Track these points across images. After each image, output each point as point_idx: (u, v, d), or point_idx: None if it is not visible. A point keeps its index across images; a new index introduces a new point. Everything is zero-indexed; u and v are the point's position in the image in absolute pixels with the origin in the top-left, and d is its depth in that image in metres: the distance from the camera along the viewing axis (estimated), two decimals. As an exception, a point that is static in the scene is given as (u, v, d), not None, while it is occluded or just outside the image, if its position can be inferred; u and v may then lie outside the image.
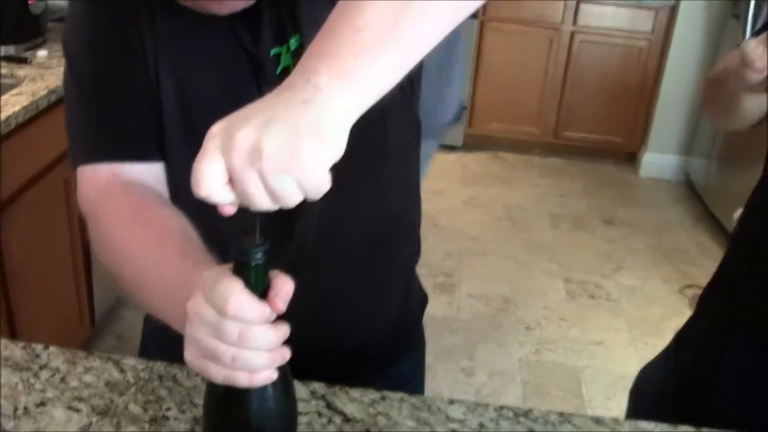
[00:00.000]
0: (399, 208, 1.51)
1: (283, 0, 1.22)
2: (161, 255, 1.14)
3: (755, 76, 1.35)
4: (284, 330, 0.93)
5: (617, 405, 3.53)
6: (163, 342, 1.53)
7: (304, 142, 0.82)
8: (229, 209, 0.87)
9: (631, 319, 4.40)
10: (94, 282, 3.53)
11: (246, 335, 0.90)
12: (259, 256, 0.89)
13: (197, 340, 0.93)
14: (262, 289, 0.91)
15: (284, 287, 0.91)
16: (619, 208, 5.80)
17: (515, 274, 4.79)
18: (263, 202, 0.85)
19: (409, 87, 1.38)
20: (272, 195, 0.84)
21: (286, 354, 0.94)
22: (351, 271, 1.48)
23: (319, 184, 0.84)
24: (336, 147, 0.84)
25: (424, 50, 0.93)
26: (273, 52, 1.24)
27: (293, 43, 1.23)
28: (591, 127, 6.44)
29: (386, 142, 1.38)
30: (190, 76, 1.26)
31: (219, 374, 0.92)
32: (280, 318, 0.93)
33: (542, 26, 6.17)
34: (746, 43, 1.35)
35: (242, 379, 0.92)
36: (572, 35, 6.17)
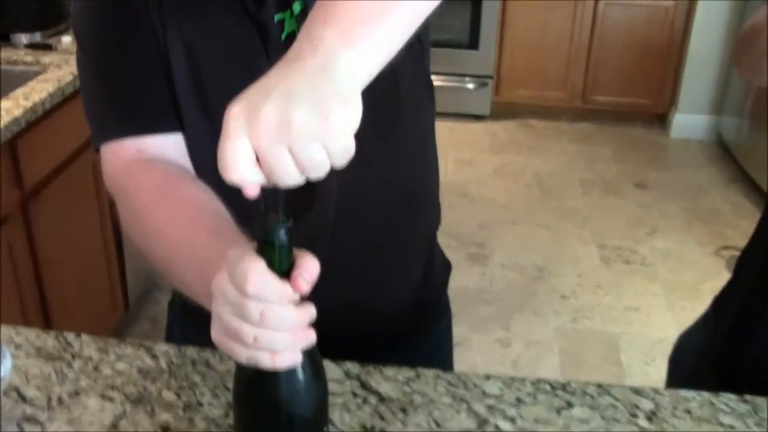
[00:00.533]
0: (415, 170, 1.48)
1: None
2: (193, 232, 1.13)
3: None
4: (309, 312, 0.91)
5: (656, 371, 3.51)
6: (188, 325, 1.53)
7: (332, 109, 0.83)
8: (253, 190, 0.86)
9: (667, 283, 4.36)
10: (127, 266, 3.54)
11: (267, 315, 0.88)
12: (281, 234, 0.87)
13: (221, 318, 0.91)
14: (285, 269, 0.89)
15: (309, 268, 0.89)
16: (651, 171, 5.74)
17: (548, 243, 4.76)
18: (292, 177, 0.85)
19: (418, 45, 1.36)
20: (302, 167, 0.84)
21: (311, 336, 0.92)
22: (371, 240, 1.46)
23: (349, 148, 0.85)
24: (359, 109, 0.85)
25: (428, 9, 0.94)
26: (277, 17, 1.23)
27: (296, 7, 1.22)
28: (619, 90, 6.37)
29: (398, 103, 1.36)
30: (198, 45, 1.25)
31: (242, 354, 0.91)
32: (307, 300, 0.91)
33: (566, -10, 6.11)
34: None
35: (265, 360, 0.91)
36: (597, -2, 6.11)
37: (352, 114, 0.85)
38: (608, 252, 4.67)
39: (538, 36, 6.23)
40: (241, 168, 0.84)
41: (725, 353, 1.63)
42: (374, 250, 1.47)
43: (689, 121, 6.26)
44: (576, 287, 4.32)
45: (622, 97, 6.39)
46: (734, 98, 5.81)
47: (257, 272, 0.88)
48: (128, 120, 1.27)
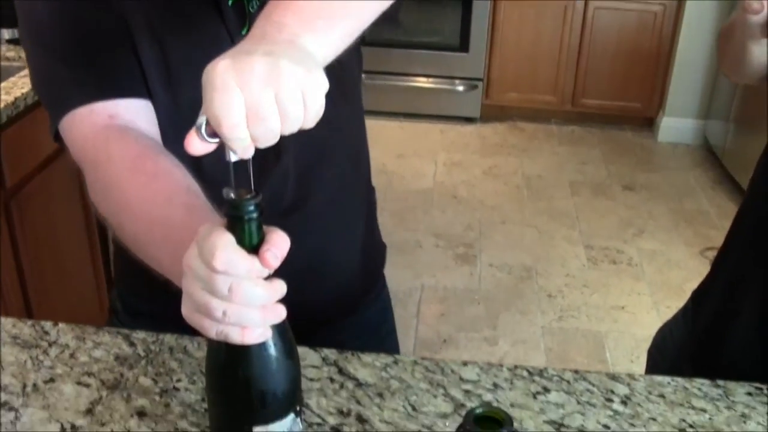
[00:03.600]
0: (360, 131, 1.57)
1: None
2: (168, 211, 1.12)
3: (754, 20, 1.34)
4: (279, 287, 0.91)
5: (641, 368, 3.50)
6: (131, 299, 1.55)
7: (311, 65, 0.88)
8: (248, 151, 0.89)
9: (653, 283, 4.38)
10: (112, 263, 3.52)
11: (235, 290, 0.88)
12: (251, 210, 0.87)
13: (191, 294, 0.91)
14: (255, 245, 0.89)
15: (278, 243, 0.89)
16: (639, 173, 5.77)
17: (536, 243, 4.77)
18: (273, 131, 0.87)
19: None
20: (283, 118, 0.86)
21: (281, 312, 0.92)
22: (323, 211, 1.49)
23: (321, 109, 0.89)
24: (326, 79, 0.90)
25: (383, 7, 1.02)
26: None
27: None
28: (608, 93, 6.39)
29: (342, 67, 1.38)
30: (156, 16, 1.25)
31: (212, 329, 0.91)
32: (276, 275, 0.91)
33: (556, -6, 6.12)
34: None
35: (234, 335, 0.91)
36: (586, 2, 6.11)
37: (323, 78, 0.89)
38: (596, 252, 4.68)
39: (528, 40, 6.24)
40: (234, 117, 0.85)
41: (703, 346, 1.63)
42: (328, 207, 1.50)
43: (676, 124, 6.29)
44: (563, 287, 4.33)
45: (611, 101, 6.42)
46: (720, 103, 5.84)
47: (225, 247, 0.88)
48: (98, 85, 1.25)
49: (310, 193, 1.45)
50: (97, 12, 1.24)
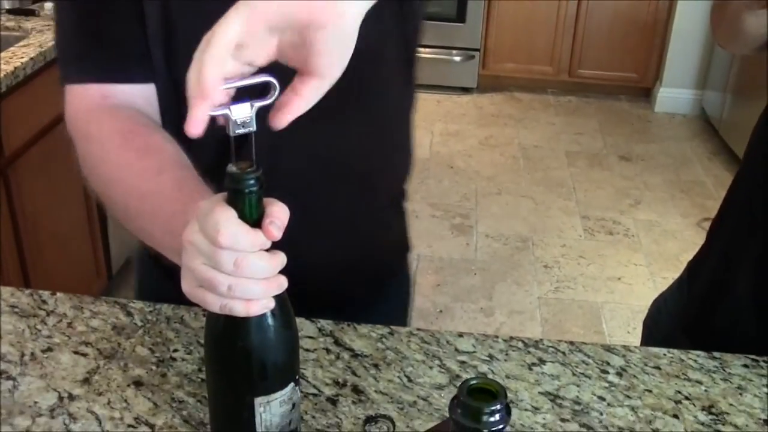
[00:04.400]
0: (366, 155, 1.45)
1: None
2: (158, 184, 1.13)
3: None
4: (280, 258, 0.92)
5: (637, 339, 3.52)
6: (159, 277, 1.52)
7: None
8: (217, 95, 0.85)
9: (650, 254, 4.39)
10: (110, 233, 3.53)
11: (241, 264, 0.88)
12: (252, 183, 0.87)
13: (193, 269, 0.91)
14: (256, 218, 0.89)
15: (279, 214, 0.90)
16: (635, 144, 5.77)
17: (532, 213, 4.78)
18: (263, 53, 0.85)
19: (404, 29, 1.35)
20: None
21: (283, 282, 0.93)
22: (323, 195, 1.44)
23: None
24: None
25: None
26: None
27: None
28: (605, 64, 6.39)
29: (364, 81, 1.31)
30: None
31: (216, 303, 0.91)
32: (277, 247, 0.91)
33: (553, -36, 6.10)
34: None
35: (239, 308, 0.91)
36: (584, -28, 6.11)
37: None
38: (592, 223, 4.69)
39: (525, 10, 6.22)
40: (228, 38, 0.83)
41: (698, 316, 1.64)
42: (327, 206, 1.45)
43: (673, 95, 6.29)
44: (559, 257, 4.34)
45: (608, 71, 6.42)
46: (717, 73, 5.84)
47: (229, 223, 0.88)
48: (97, 64, 1.26)
49: (306, 182, 1.39)
50: None
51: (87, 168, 1.25)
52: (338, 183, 1.44)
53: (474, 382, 0.90)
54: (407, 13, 1.30)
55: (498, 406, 0.87)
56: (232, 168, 0.88)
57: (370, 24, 1.22)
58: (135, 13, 1.23)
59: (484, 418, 0.86)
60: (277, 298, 0.94)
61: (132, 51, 1.22)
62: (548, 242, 4.49)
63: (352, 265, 1.51)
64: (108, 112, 1.23)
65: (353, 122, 1.38)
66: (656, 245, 4.47)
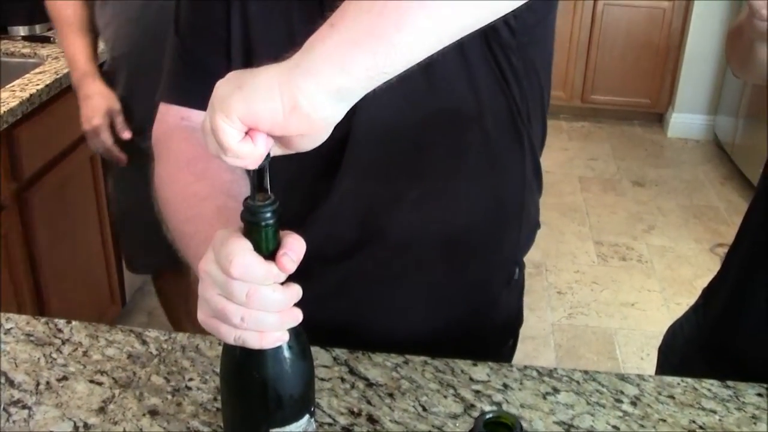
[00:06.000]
0: (476, 222, 1.40)
1: None
2: (202, 208, 1.15)
3: (761, 24, 1.35)
4: (296, 291, 0.92)
5: (651, 366, 3.49)
6: None
7: (226, 86, 0.84)
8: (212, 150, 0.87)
9: (664, 279, 4.37)
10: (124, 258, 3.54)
11: (253, 295, 0.88)
12: (267, 215, 0.88)
13: (207, 299, 0.92)
14: (272, 249, 0.89)
15: (294, 247, 0.90)
16: (648, 169, 5.76)
17: (546, 239, 4.76)
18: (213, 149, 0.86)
19: (519, 91, 1.30)
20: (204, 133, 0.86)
21: (297, 315, 0.93)
22: (391, 274, 1.41)
23: (217, 130, 0.83)
24: (249, 104, 0.82)
25: (406, 48, 0.83)
26: None
27: None
28: (618, 89, 6.39)
29: (471, 144, 1.32)
30: (257, 28, 1.27)
31: (230, 334, 0.92)
32: (294, 279, 0.92)
33: (565, -10, 6.12)
34: None
35: (252, 340, 0.91)
36: (596, -2, 6.13)
37: (246, 104, 0.82)
38: (606, 248, 4.68)
39: (536, 35, 6.23)
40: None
41: (714, 341, 1.64)
42: (395, 285, 1.43)
43: (686, 120, 6.28)
44: (573, 283, 4.33)
45: (621, 97, 6.42)
46: (730, 99, 5.84)
47: (242, 253, 0.88)
48: (181, 88, 1.33)
49: (374, 234, 1.38)
50: (216, 7, 1.29)
51: (155, 186, 1.29)
52: (447, 256, 1.42)
53: (490, 415, 0.90)
54: (507, 75, 1.26)
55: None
56: (248, 200, 0.89)
57: (460, 83, 1.21)
58: (224, 45, 1.29)
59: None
60: (293, 329, 0.94)
61: (214, 79, 1.24)
62: (562, 268, 4.48)
63: (454, 339, 1.48)
64: (182, 135, 1.29)
65: (462, 191, 1.37)
66: (670, 271, 4.46)
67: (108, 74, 2.64)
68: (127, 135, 2.53)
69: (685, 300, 3.96)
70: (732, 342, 1.59)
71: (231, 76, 0.85)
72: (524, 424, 1.23)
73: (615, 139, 6.27)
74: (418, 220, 1.35)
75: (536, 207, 1.49)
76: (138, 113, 2.53)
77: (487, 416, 0.90)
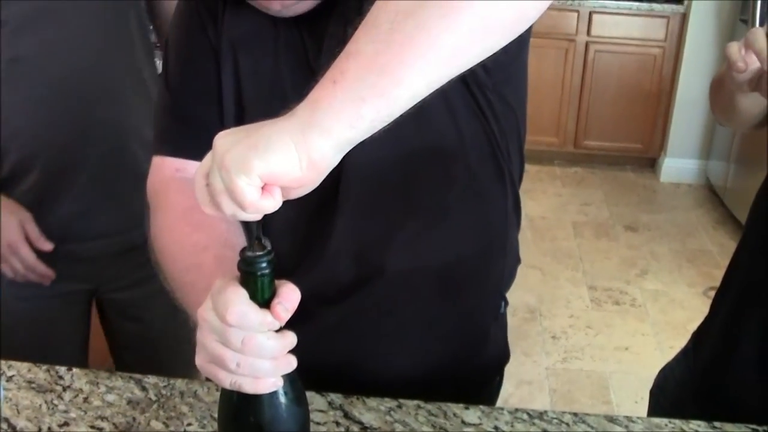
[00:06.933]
0: (466, 255, 1.44)
1: (351, 11, 1.17)
2: (200, 259, 1.19)
3: (739, 77, 1.39)
4: (290, 339, 0.95)
5: (645, 409, 3.52)
6: None
7: (239, 146, 0.85)
8: (208, 209, 0.91)
9: (657, 323, 4.40)
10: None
11: (249, 342, 0.92)
12: (262, 265, 0.91)
13: (205, 345, 0.95)
14: (267, 298, 0.93)
15: (288, 297, 0.93)
16: (641, 213, 5.80)
17: (540, 284, 4.80)
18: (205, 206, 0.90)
19: (497, 128, 1.36)
20: (210, 193, 0.88)
21: (292, 362, 0.96)
22: (389, 310, 1.44)
23: (239, 192, 0.84)
24: (271, 164, 0.84)
25: (405, 100, 0.88)
26: None
27: None
28: (610, 134, 6.44)
29: (456, 178, 1.37)
30: (248, 84, 1.31)
31: (226, 379, 0.95)
32: (294, 321, 0.95)
33: (557, 37, 6.17)
34: (729, 46, 1.40)
35: (248, 385, 0.94)
36: (587, 45, 6.19)
37: (263, 163, 0.84)
38: (599, 293, 4.70)
39: (530, 83, 6.09)
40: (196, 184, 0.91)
41: (704, 384, 1.66)
42: (393, 322, 1.45)
43: (678, 165, 6.33)
44: (567, 328, 4.35)
45: (613, 142, 6.47)
46: (721, 143, 5.89)
47: (238, 302, 0.92)
48: (176, 141, 1.36)
49: (370, 289, 1.41)
50: (206, 63, 1.33)
51: (152, 237, 1.32)
52: (440, 289, 1.45)
53: None
54: (485, 112, 1.33)
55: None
56: (245, 251, 0.92)
57: (444, 121, 1.26)
58: (215, 96, 1.32)
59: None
60: (288, 375, 0.97)
61: (206, 130, 1.27)
62: (556, 312, 4.50)
63: (446, 376, 1.51)
64: (178, 186, 1.31)
65: (451, 223, 1.41)
66: (663, 315, 4.48)
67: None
68: (48, 246, 2.06)
69: (679, 343, 3.91)
70: (722, 386, 1.60)
71: (230, 133, 0.88)
72: (515, 466, 1.26)
73: (608, 184, 6.31)
74: (412, 254, 1.39)
75: (516, 241, 1.53)
76: (56, 217, 2.09)
77: None
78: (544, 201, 5.94)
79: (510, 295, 1.57)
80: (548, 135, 6.47)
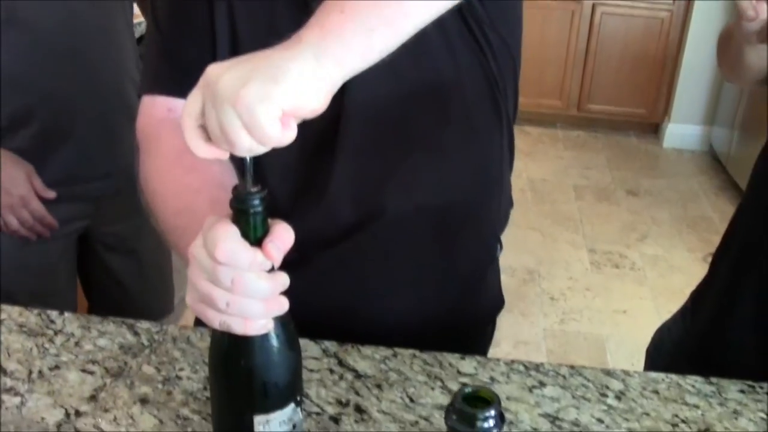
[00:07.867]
0: (463, 194, 1.44)
1: None
2: (193, 201, 1.17)
3: (749, 26, 1.37)
4: (282, 280, 0.93)
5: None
6: None
7: (256, 80, 0.82)
8: (201, 152, 0.89)
9: (656, 287, 4.40)
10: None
11: (238, 282, 0.90)
12: (254, 203, 0.89)
13: (195, 283, 0.93)
14: (259, 237, 0.91)
15: (281, 236, 0.91)
16: (643, 178, 5.79)
17: (540, 246, 4.79)
18: (219, 140, 0.86)
19: (494, 69, 1.35)
20: (222, 131, 0.85)
21: (284, 304, 0.94)
22: (389, 252, 1.43)
23: (262, 126, 0.82)
24: (294, 95, 0.84)
25: (410, 30, 0.91)
26: None
27: None
28: (614, 99, 6.41)
29: (454, 115, 1.36)
30: (243, 28, 1.29)
31: (215, 319, 0.93)
32: (281, 269, 0.93)
33: (563, -1, 6.15)
34: None
35: (237, 326, 0.92)
36: (594, 7, 6.14)
37: (277, 94, 0.83)
38: (599, 256, 4.70)
39: (535, 45, 6.24)
40: (189, 121, 0.89)
41: (701, 345, 1.65)
42: (392, 263, 1.44)
43: (682, 131, 6.31)
44: (566, 290, 4.35)
45: (617, 107, 6.44)
46: (726, 110, 5.86)
47: (228, 239, 0.89)
48: (168, 79, 1.33)
49: (369, 233, 1.40)
50: (199, 8, 1.30)
51: (142, 179, 1.30)
52: (438, 229, 1.44)
53: (468, 389, 0.92)
54: (483, 47, 1.31)
55: (492, 412, 0.89)
56: (237, 187, 0.90)
57: (442, 57, 1.24)
58: (208, 36, 1.30)
59: (479, 423, 0.88)
60: (280, 318, 0.95)
61: (200, 69, 1.26)
62: (555, 275, 4.50)
63: (442, 321, 1.51)
64: (169, 128, 1.28)
65: (448, 161, 1.40)
66: (662, 279, 4.48)
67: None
68: (52, 194, 2.08)
69: (677, 308, 3.94)
70: (719, 349, 1.60)
71: (228, 67, 0.86)
72: (510, 417, 1.25)
73: (610, 149, 6.30)
74: (410, 194, 1.38)
75: (509, 182, 1.52)
76: (60, 161, 2.10)
77: (466, 390, 0.92)
78: (546, 164, 5.92)
79: (509, 257, 1.57)
80: (551, 98, 6.44)
